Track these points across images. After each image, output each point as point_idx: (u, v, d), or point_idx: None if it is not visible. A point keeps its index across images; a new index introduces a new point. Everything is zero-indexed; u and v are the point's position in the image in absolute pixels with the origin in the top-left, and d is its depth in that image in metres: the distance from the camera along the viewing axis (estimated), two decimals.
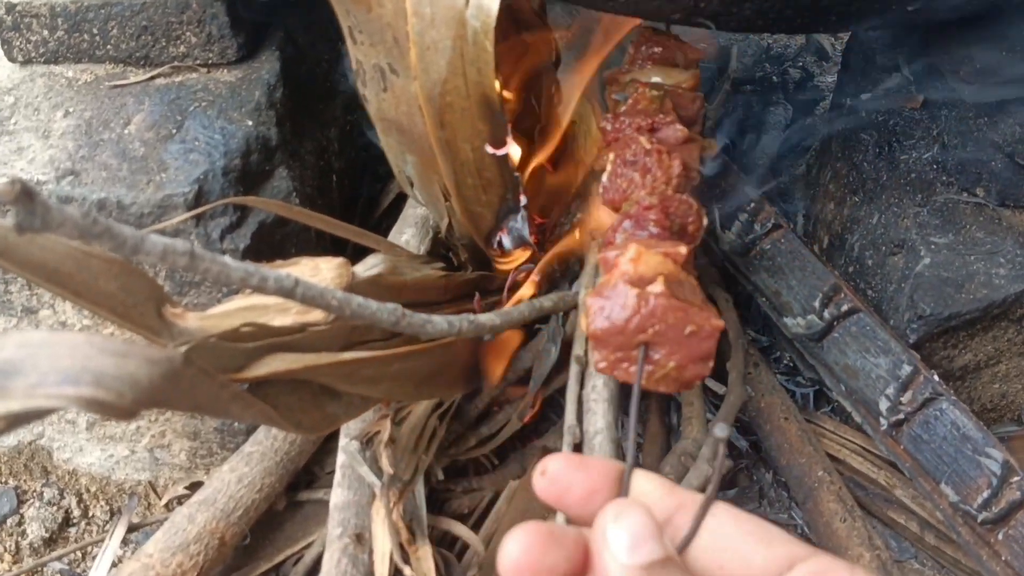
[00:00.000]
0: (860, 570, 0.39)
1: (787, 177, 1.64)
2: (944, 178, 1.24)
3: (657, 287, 0.72)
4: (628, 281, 0.73)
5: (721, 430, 0.45)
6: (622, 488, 0.45)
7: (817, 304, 1.17)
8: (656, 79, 1.06)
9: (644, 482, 0.45)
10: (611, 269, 0.78)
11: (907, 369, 1.10)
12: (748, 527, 0.41)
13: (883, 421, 1.11)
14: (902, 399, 1.10)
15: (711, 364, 0.73)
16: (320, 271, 0.92)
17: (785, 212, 1.55)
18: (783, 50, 1.84)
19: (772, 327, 1.33)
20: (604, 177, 0.96)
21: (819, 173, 1.50)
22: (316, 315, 0.86)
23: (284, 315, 0.86)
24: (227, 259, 0.64)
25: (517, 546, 0.41)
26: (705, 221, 0.91)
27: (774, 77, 1.77)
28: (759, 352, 1.30)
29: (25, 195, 0.43)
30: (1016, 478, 1.04)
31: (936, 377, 1.10)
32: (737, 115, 1.68)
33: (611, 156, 0.96)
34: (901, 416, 1.09)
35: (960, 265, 1.14)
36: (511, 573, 0.41)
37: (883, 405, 1.10)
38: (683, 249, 0.80)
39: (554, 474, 0.45)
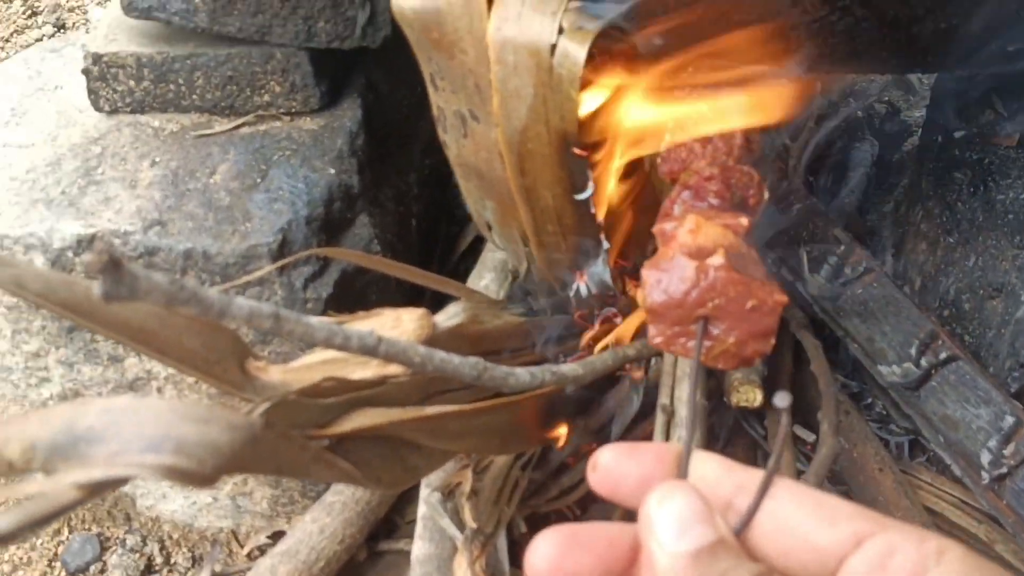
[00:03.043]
0: (932, 539, 0.36)
1: (875, 216, 1.60)
2: None
3: (717, 259, 0.69)
4: (687, 253, 0.70)
5: (782, 399, 0.41)
6: (679, 472, 0.41)
7: (913, 351, 1.13)
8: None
9: (703, 464, 0.42)
10: (669, 241, 0.75)
11: (1010, 420, 1.05)
12: (810, 505, 0.38)
13: (984, 475, 1.06)
14: (1004, 452, 1.05)
15: (772, 341, 0.70)
16: (402, 322, 0.91)
17: (873, 251, 1.51)
18: (868, 84, 1.79)
19: (863, 372, 1.29)
20: (662, 147, 0.93)
21: (908, 212, 1.45)
22: (396, 367, 0.85)
23: (364, 368, 0.85)
24: (311, 320, 0.63)
25: (541, 554, 0.39)
26: (766, 194, 0.88)
27: (859, 112, 1.72)
28: (850, 399, 1.26)
29: (112, 265, 0.43)
30: None
31: None
32: (821, 152, 1.64)
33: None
34: (1004, 470, 1.04)
35: None
36: None
37: (984, 458, 1.06)
38: (744, 220, 0.77)
39: (606, 465, 0.43)
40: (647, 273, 0.71)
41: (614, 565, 0.39)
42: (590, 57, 0.90)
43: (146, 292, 0.48)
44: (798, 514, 0.38)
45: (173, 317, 0.72)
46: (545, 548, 0.39)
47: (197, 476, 0.53)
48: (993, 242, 1.20)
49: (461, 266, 1.43)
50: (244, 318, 0.58)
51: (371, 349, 0.69)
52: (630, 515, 0.41)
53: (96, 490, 0.53)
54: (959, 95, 1.35)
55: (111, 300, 0.45)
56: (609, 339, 1.10)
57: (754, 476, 0.40)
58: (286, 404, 0.74)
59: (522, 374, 0.86)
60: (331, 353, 0.86)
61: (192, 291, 0.54)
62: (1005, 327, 1.12)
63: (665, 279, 0.69)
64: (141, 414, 0.55)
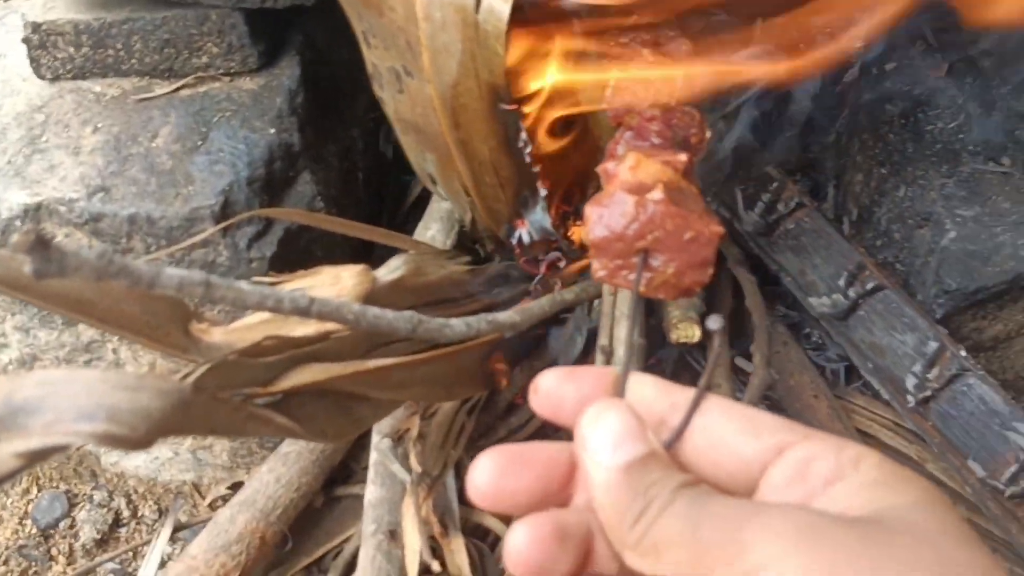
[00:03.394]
0: (850, 447, 0.37)
1: (818, 148, 1.63)
2: (970, 148, 1.22)
3: (656, 194, 0.71)
4: (627, 189, 0.72)
5: (714, 322, 0.44)
6: (616, 392, 0.43)
7: (842, 283, 1.18)
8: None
9: (640, 385, 0.43)
10: (611, 179, 0.77)
11: (933, 346, 1.10)
12: (738, 419, 0.40)
13: (910, 398, 1.11)
14: (929, 376, 1.10)
15: (710, 271, 0.72)
16: (341, 280, 0.94)
17: (817, 182, 1.54)
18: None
19: (802, 303, 1.33)
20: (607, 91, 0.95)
21: (848, 144, 1.48)
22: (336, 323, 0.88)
23: (305, 325, 0.88)
24: (242, 284, 0.66)
25: (482, 474, 0.40)
26: (708, 133, 0.89)
27: (801, 44, 1.74)
28: (788, 329, 1.31)
29: (40, 244, 0.45)
30: None
31: (963, 352, 1.09)
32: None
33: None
34: (928, 393, 1.09)
35: (986, 237, 1.13)
36: (477, 503, 0.41)
37: (910, 382, 1.11)
38: (683, 156, 0.79)
39: (546, 389, 0.44)
40: (589, 209, 0.72)
41: (552, 483, 0.41)
42: (519, 12, 0.92)
43: (75, 268, 0.51)
44: (726, 428, 0.40)
45: (111, 286, 0.75)
46: (486, 467, 0.41)
47: (131, 441, 0.57)
48: (921, 172, 1.24)
49: (411, 216, 1.45)
50: (175, 287, 0.61)
51: (304, 310, 0.72)
52: (569, 437, 0.44)
53: (36, 458, 0.56)
54: (893, 30, 1.37)
55: (41, 277, 0.47)
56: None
57: (688, 395, 0.41)
58: (226, 365, 0.78)
59: (457, 325, 0.90)
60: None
61: (121, 264, 0.57)
62: (931, 255, 1.17)
63: (606, 214, 0.70)
64: (75, 385, 0.58)
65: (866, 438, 1.20)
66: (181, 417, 0.59)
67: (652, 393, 0.43)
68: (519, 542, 0.39)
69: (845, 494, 0.36)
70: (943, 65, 1.29)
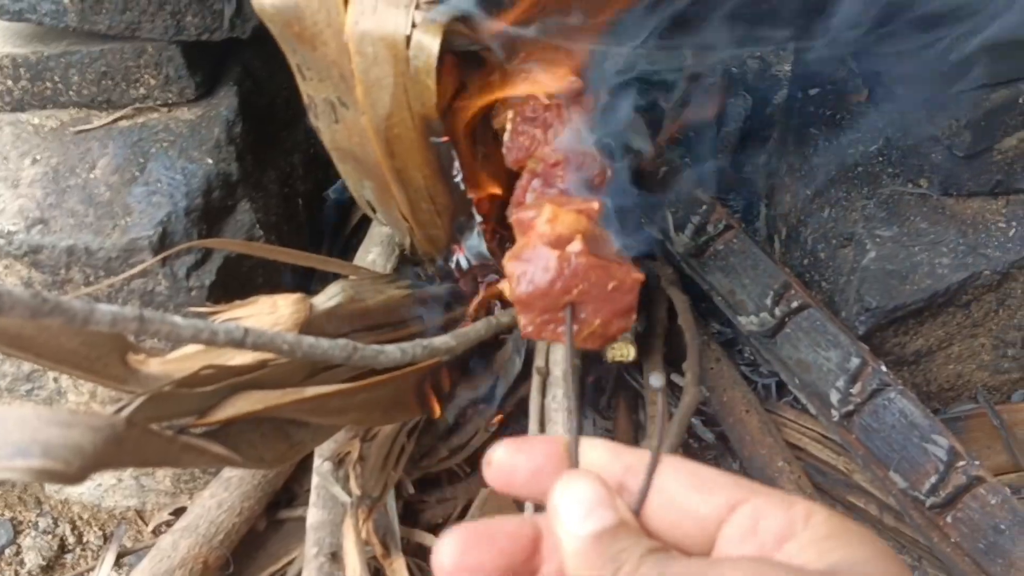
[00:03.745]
0: (800, 503, 0.39)
1: (750, 168, 1.68)
2: (890, 170, 1.28)
3: (576, 246, 0.72)
4: (547, 243, 0.73)
5: (655, 379, 0.45)
6: (570, 461, 0.44)
7: (769, 301, 1.22)
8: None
9: (591, 451, 0.44)
10: (527, 231, 0.78)
11: (856, 361, 1.14)
12: (688, 478, 0.41)
13: (835, 412, 1.15)
14: (852, 391, 1.14)
15: (634, 317, 0.74)
16: (278, 308, 0.96)
17: (749, 203, 1.59)
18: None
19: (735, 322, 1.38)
20: (506, 136, 0.96)
21: (777, 165, 1.53)
22: None
23: (243, 354, 0.90)
24: (176, 319, 0.68)
25: (446, 553, 0.41)
26: (610, 172, 0.91)
27: (733, 68, 1.79)
28: (721, 347, 1.35)
29: None
30: (962, 463, 1.08)
31: (884, 368, 1.14)
32: (696, 108, 1.71)
33: (510, 114, 0.96)
34: (851, 407, 1.14)
35: (904, 257, 1.18)
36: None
37: (834, 397, 1.15)
38: (596, 204, 0.80)
39: (498, 461, 0.45)
40: (511, 266, 0.74)
41: (517, 556, 0.42)
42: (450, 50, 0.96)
43: (9, 308, 0.53)
44: (678, 488, 0.41)
45: (47, 322, 0.76)
46: (449, 547, 0.41)
47: (65, 476, 0.58)
48: (844, 193, 1.29)
49: (353, 240, 1.47)
50: (108, 324, 0.62)
51: (238, 341, 0.74)
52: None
53: None
54: (818, 53, 1.42)
55: None
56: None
57: (641, 457, 0.42)
58: (163, 396, 0.79)
59: (392, 351, 0.92)
60: None
61: (54, 303, 0.58)
62: (854, 274, 1.21)
63: (530, 270, 0.72)
64: (8, 422, 0.60)
65: (795, 450, 1.25)
66: (114, 451, 0.61)
67: (605, 457, 0.44)
68: None
69: (798, 550, 0.38)
70: (864, 91, 1.34)
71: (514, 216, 0.82)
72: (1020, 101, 1.15)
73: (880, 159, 1.28)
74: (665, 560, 0.38)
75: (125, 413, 0.69)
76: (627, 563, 0.38)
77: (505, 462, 0.45)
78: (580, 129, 0.91)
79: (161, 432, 0.69)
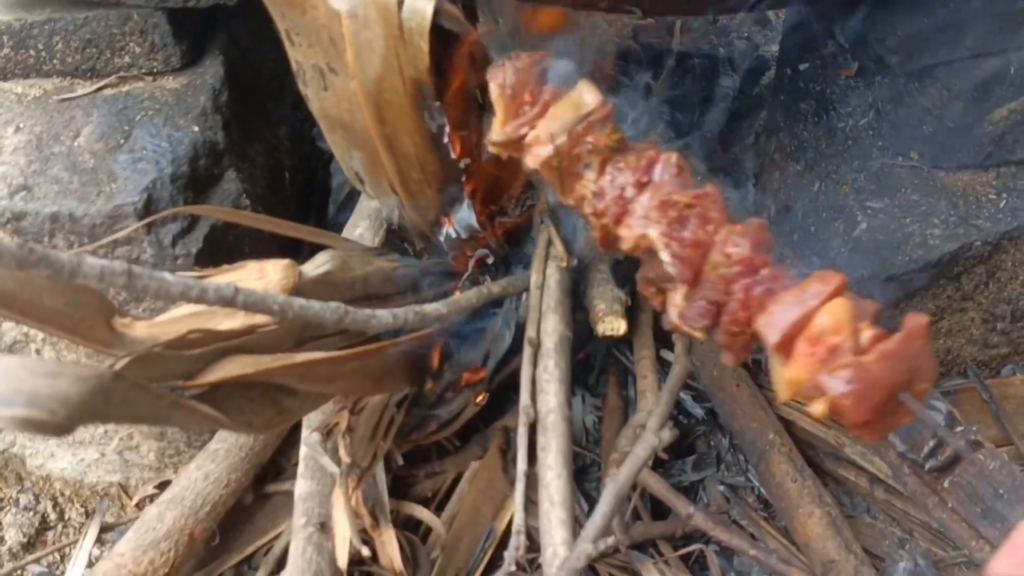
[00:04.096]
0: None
1: (739, 148, 1.67)
2: (880, 143, 1.27)
3: (867, 331, 0.65)
4: (852, 351, 0.64)
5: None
6: None
7: None
8: None
9: None
10: (790, 348, 0.67)
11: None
12: None
13: None
14: None
15: (935, 359, 0.68)
16: (267, 274, 0.95)
17: (736, 182, 1.58)
18: (729, 20, 1.86)
19: None
20: (664, 256, 0.74)
21: (766, 143, 1.53)
22: (264, 316, 0.89)
23: (232, 318, 0.89)
24: (165, 275, 0.67)
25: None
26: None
27: (721, 49, 1.79)
28: None
29: None
30: (960, 428, 1.07)
31: None
32: (685, 88, 1.70)
33: (653, 232, 0.74)
34: None
35: (896, 228, 1.18)
36: None
37: None
38: (836, 276, 0.68)
39: None
40: (831, 391, 0.63)
41: None
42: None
43: None
44: None
45: (33, 279, 0.74)
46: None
47: (51, 426, 0.57)
48: (834, 167, 1.28)
49: (341, 215, 1.46)
50: (96, 277, 0.61)
51: (229, 300, 0.72)
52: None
53: None
54: (805, 29, 1.42)
55: None
56: None
57: None
58: (150, 358, 0.78)
59: (384, 315, 0.91)
60: (198, 306, 0.88)
61: (41, 254, 0.57)
62: (845, 246, 1.21)
63: (858, 391, 0.63)
64: None
65: (786, 424, 1.24)
66: (101, 403, 0.60)
67: None
68: None
69: None
70: (854, 64, 1.33)
71: (774, 339, 0.68)
72: (1011, 71, 1.14)
73: (870, 132, 1.27)
74: None
75: (115, 367, 0.68)
76: None
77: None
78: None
79: (149, 387, 0.68)
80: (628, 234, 0.76)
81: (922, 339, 0.65)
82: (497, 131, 0.82)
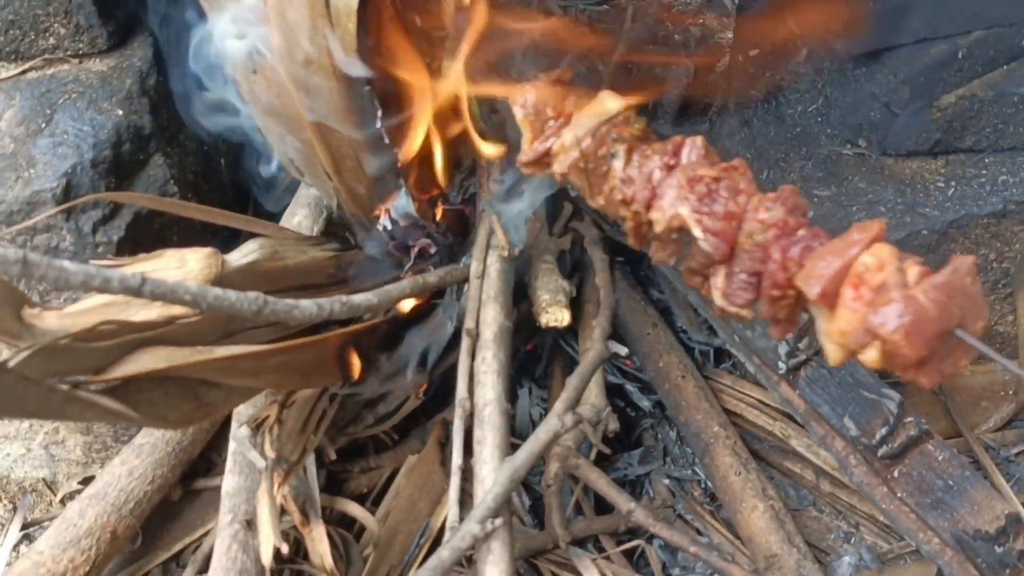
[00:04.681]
0: None
1: (692, 133, 1.65)
2: (828, 130, 1.25)
3: (914, 269, 0.63)
4: (895, 287, 0.62)
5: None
6: None
7: None
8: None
9: None
10: (834, 298, 0.64)
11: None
12: None
13: (781, 365, 1.11)
14: (800, 344, 1.11)
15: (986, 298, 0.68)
16: (187, 263, 0.91)
17: None
18: (685, 6, 1.83)
19: (673, 287, 1.35)
20: (697, 233, 0.72)
21: (720, 130, 1.50)
22: (183, 308, 0.85)
23: (148, 309, 0.85)
24: (65, 263, 0.63)
25: None
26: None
27: (676, 36, 1.76)
28: (658, 313, 1.32)
29: None
30: (910, 418, 1.06)
31: None
32: (638, 75, 1.67)
33: (684, 211, 0.73)
34: (800, 359, 1.10)
35: (842, 216, 1.16)
36: None
37: (782, 350, 1.12)
38: (876, 224, 0.67)
39: None
40: (883, 332, 0.60)
41: None
42: None
43: None
44: None
45: None
46: None
47: None
48: (782, 155, 1.26)
49: (284, 202, 1.42)
50: None
51: (135, 290, 0.69)
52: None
53: None
54: (759, 16, 1.40)
55: None
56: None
57: None
58: (56, 350, 0.74)
59: (307, 306, 0.87)
60: (114, 296, 0.85)
61: None
62: None
63: (910, 327, 0.60)
64: None
65: (732, 416, 1.22)
66: None
67: None
68: None
69: None
70: (803, 50, 1.31)
71: (815, 291, 0.65)
72: (959, 56, 1.13)
73: (819, 119, 1.26)
74: None
75: (12, 362, 0.64)
76: None
77: None
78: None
79: (40, 382, 0.64)
80: (660, 216, 0.74)
81: (971, 276, 0.62)
82: (526, 151, 0.82)
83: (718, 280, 0.73)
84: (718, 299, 0.73)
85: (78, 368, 0.77)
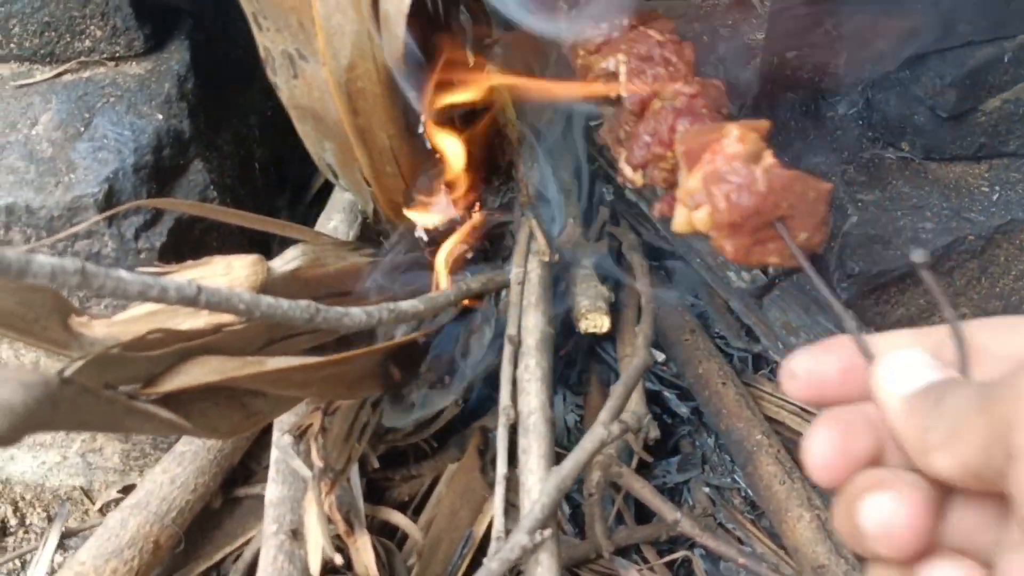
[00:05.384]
0: None
1: None
2: (870, 134, 1.24)
3: (769, 159, 0.66)
4: (744, 161, 0.66)
5: (918, 255, 0.43)
6: (863, 353, 0.43)
7: None
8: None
9: (898, 339, 0.44)
10: (700, 156, 0.69)
11: (852, 324, 1.10)
12: (990, 328, 0.41)
13: None
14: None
15: (830, 227, 0.68)
16: (233, 270, 0.90)
17: None
18: (713, 7, 1.82)
19: (712, 293, 1.33)
20: (622, 78, 0.82)
21: None
22: (230, 315, 0.84)
23: (195, 317, 0.84)
24: (122, 273, 0.62)
25: (820, 442, 0.40)
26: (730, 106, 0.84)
27: (704, 36, 1.75)
28: (696, 318, 1.30)
29: None
30: None
31: (875, 332, 1.10)
32: None
33: (620, 57, 0.83)
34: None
35: (887, 222, 1.14)
36: (819, 470, 0.40)
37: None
38: (765, 122, 0.71)
39: (805, 369, 0.44)
40: (715, 189, 0.66)
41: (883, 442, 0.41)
42: None
43: None
44: (983, 338, 0.40)
45: None
46: (824, 436, 0.40)
47: None
48: (822, 158, 1.24)
49: (315, 208, 1.41)
50: (47, 276, 0.56)
51: (191, 299, 0.68)
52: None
53: None
54: (793, 15, 1.38)
55: None
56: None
57: (941, 330, 0.42)
58: (107, 360, 0.73)
59: (357, 314, 0.86)
60: (159, 304, 0.84)
61: None
62: (834, 240, 1.17)
63: (735, 191, 0.65)
64: None
65: (773, 424, 1.21)
66: (49, 411, 0.55)
67: (911, 340, 0.43)
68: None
69: None
70: (842, 53, 1.30)
71: (682, 148, 0.73)
72: (1005, 59, 1.11)
73: (860, 122, 1.24)
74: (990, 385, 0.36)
75: (66, 373, 0.63)
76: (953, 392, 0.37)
77: (813, 369, 0.44)
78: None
79: (101, 392, 0.63)
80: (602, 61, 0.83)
81: (821, 198, 0.66)
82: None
83: (629, 145, 0.79)
84: (623, 163, 0.80)
85: (129, 378, 0.75)
